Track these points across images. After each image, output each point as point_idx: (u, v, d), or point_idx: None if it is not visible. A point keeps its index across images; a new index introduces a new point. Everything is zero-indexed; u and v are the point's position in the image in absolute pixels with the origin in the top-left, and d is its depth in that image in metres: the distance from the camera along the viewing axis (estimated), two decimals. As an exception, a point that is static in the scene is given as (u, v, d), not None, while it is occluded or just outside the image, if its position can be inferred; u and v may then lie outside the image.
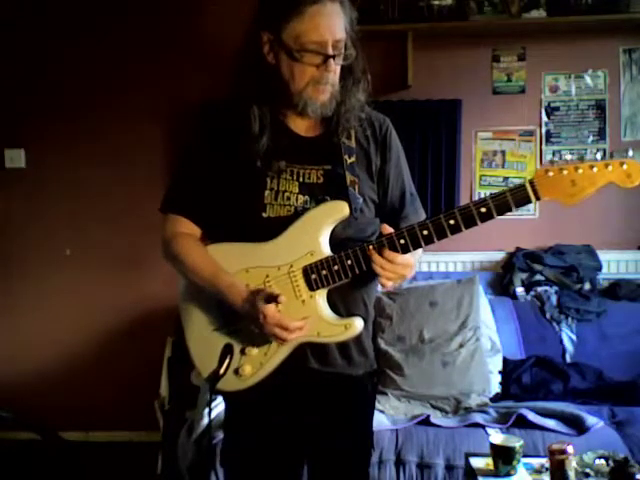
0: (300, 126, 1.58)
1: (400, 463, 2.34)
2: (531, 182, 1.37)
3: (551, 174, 1.34)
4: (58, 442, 3.53)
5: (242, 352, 1.54)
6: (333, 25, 1.45)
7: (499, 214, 1.40)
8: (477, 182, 3.41)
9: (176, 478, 2.58)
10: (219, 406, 2.58)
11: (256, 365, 1.53)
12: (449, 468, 2.31)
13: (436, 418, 2.54)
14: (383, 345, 2.87)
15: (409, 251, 1.43)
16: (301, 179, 1.54)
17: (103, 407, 3.51)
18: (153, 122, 3.51)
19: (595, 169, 1.31)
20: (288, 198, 1.52)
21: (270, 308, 1.44)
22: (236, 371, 1.54)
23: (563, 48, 3.35)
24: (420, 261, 3.36)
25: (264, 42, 1.50)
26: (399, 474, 2.33)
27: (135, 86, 3.48)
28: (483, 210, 1.39)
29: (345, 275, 1.48)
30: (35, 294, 3.59)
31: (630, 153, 1.31)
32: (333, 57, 1.46)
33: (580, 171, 1.32)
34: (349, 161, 1.56)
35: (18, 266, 3.60)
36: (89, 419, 3.59)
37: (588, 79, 3.36)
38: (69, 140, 3.52)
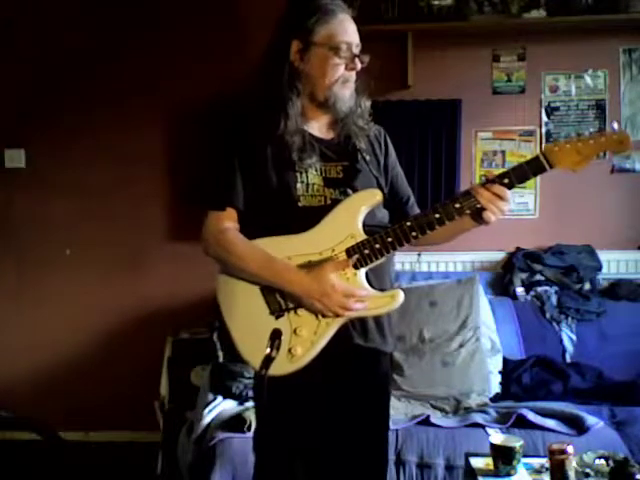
0: (318, 129, 1.75)
1: (400, 463, 2.34)
2: (543, 154, 1.58)
3: (557, 148, 1.58)
4: (58, 442, 3.53)
5: (294, 333, 1.62)
6: (355, 32, 1.70)
7: (519, 183, 1.61)
8: (477, 182, 3.41)
9: (176, 478, 2.59)
10: (219, 406, 2.60)
11: (307, 344, 1.61)
12: (449, 468, 2.31)
13: (436, 418, 2.54)
14: (383, 345, 2.86)
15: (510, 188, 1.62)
16: (324, 174, 1.70)
17: (103, 407, 3.51)
18: (153, 122, 3.51)
19: (592, 141, 1.57)
20: (317, 190, 1.67)
21: (336, 277, 1.57)
22: (288, 351, 1.61)
23: (563, 48, 3.35)
24: (420, 261, 3.37)
25: (294, 51, 1.68)
26: (399, 474, 2.33)
27: (135, 86, 3.48)
28: (506, 181, 1.59)
29: (386, 251, 1.62)
30: (35, 294, 3.59)
31: (615, 126, 1.58)
32: (358, 57, 1.68)
33: (580, 144, 1.57)
34: (367, 158, 1.76)
35: (18, 266, 3.60)
36: (89, 419, 3.59)
37: (588, 79, 3.37)
38: (69, 140, 3.52)
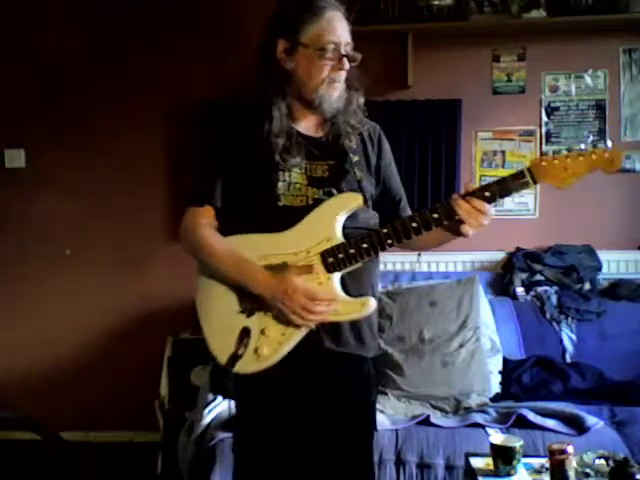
0: (307, 127, 1.73)
1: (400, 463, 2.34)
2: (529, 169, 1.54)
3: (544, 163, 1.53)
4: (58, 442, 3.53)
5: (261, 333, 1.61)
6: (344, 29, 1.66)
7: (501, 197, 1.56)
8: (477, 182, 3.40)
9: (176, 478, 2.59)
10: (219, 406, 2.60)
11: (274, 345, 1.60)
12: (449, 468, 2.31)
13: (436, 418, 2.54)
14: (383, 345, 2.86)
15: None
16: (309, 173, 1.68)
17: (103, 407, 3.51)
18: (153, 122, 3.51)
19: (581, 158, 1.51)
20: (300, 189, 1.66)
21: (299, 280, 1.56)
22: (255, 351, 1.61)
23: (563, 48, 3.35)
24: (420, 261, 3.37)
25: (280, 50, 1.66)
26: (399, 474, 2.33)
27: (135, 86, 3.48)
28: (487, 194, 1.55)
29: (361, 257, 1.59)
30: (35, 294, 3.59)
31: (609, 144, 1.53)
32: (346, 56, 1.65)
33: (569, 160, 1.51)
34: (354, 159, 1.72)
35: (18, 266, 3.59)
36: (89, 419, 3.59)
37: (588, 79, 3.36)
38: (69, 140, 3.52)
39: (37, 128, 3.53)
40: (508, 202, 3.40)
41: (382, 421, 2.52)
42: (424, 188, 3.34)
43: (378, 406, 2.66)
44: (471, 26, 3.23)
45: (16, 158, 3.55)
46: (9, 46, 3.50)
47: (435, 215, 1.57)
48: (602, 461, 1.92)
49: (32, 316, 3.60)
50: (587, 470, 1.88)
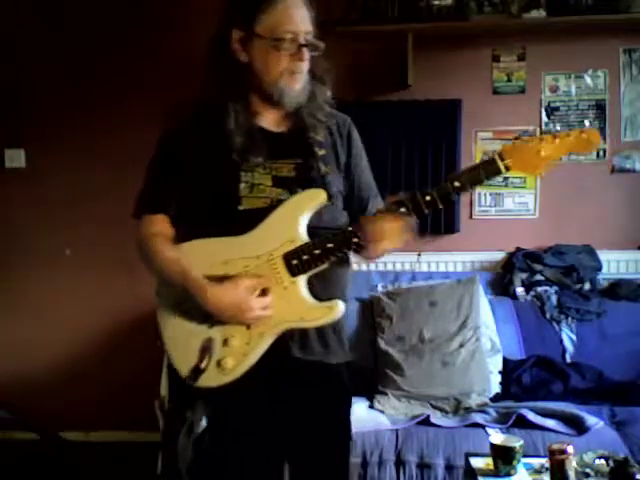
0: (269, 122, 1.62)
1: (400, 463, 2.34)
2: (500, 155, 1.46)
3: (516, 148, 1.46)
4: (58, 442, 3.53)
5: (224, 344, 1.53)
6: (304, 17, 1.54)
7: (472, 187, 1.50)
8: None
9: (176, 478, 2.59)
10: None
11: (239, 356, 1.52)
12: (449, 468, 2.31)
13: (436, 418, 2.54)
14: (383, 345, 2.87)
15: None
16: (274, 172, 1.57)
17: (103, 407, 3.51)
18: (153, 123, 3.45)
19: (557, 139, 1.44)
20: (263, 190, 1.55)
21: (250, 294, 1.48)
22: (218, 364, 1.52)
23: (563, 48, 3.35)
24: (420, 261, 3.37)
25: (235, 40, 1.56)
26: (399, 474, 2.33)
27: (136, 86, 3.48)
28: (457, 184, 1.49)
29: (327, 258, 1.50)
30: (35, 294, 3.60)
31: (587, 123, 1.42)
32: (306, 46, 1.54)
33: (543, 142, 1.44)
34: (320, 153, 1.61)
35: (18, 266, 3.59)
36: (89, 419, 3.59)
37: (588, 79, 3.36)
38: (69, 140, 3.52)
39: (37, 128, 3.53)
40: (508, 202, 3.40)
41: (382, 421, 2.53)
42: (424, 189, 3.32)
43: (378, 406, 2.67)
44: (471, 26, 3.23)
45: (16, 158, 3.55)
46: (9, 46, 3.49)
47: (402, 210, 1.55)
48: (602, 461, 1.92)
49: (32, 316, 3.60)
50: (587, 470, 1.88)
